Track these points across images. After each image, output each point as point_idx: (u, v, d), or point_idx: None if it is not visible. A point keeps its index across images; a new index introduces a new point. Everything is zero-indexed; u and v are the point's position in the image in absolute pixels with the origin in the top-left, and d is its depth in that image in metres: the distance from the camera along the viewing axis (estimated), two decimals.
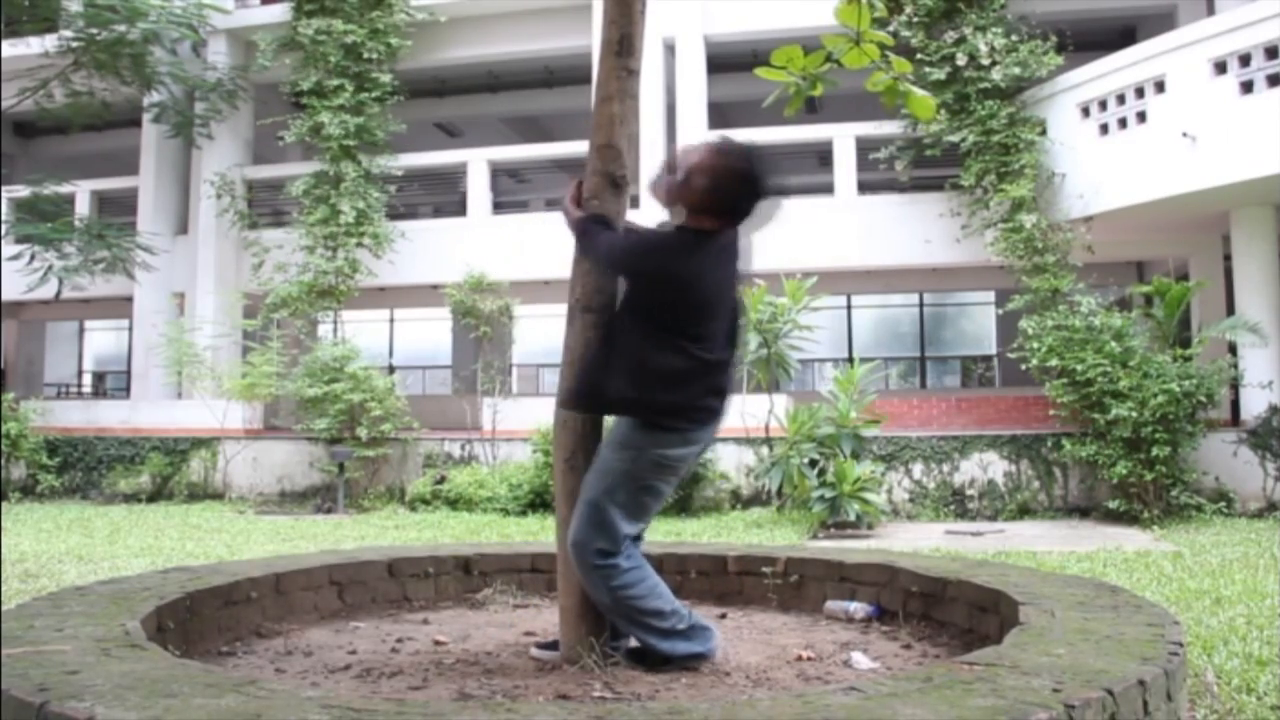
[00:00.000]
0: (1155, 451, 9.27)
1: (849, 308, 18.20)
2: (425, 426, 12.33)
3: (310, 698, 2.17)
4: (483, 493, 10.51)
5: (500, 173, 14.59)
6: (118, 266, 12.40)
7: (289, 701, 2.11)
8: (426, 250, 13.33)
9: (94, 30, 11.99)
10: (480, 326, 12.48)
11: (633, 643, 3.10)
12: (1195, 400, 9.45)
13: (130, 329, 15.19)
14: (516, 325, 13.10)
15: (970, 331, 19.26)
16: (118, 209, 15.13)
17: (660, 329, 2.85)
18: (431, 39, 13.58)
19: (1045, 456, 10.37)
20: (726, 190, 2.85)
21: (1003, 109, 11.14)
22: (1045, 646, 2.54)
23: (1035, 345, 10.20)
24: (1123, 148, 10.54)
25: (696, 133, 12.68)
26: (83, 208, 14.45)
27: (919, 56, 11.27)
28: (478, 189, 13.59)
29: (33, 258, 12.10)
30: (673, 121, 12.90)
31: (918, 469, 10.61)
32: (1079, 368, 9.65)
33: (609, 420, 3.26)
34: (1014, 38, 11.23)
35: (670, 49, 12.93)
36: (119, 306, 15.42)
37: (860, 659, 3.14)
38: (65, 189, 13.30)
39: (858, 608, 3.82)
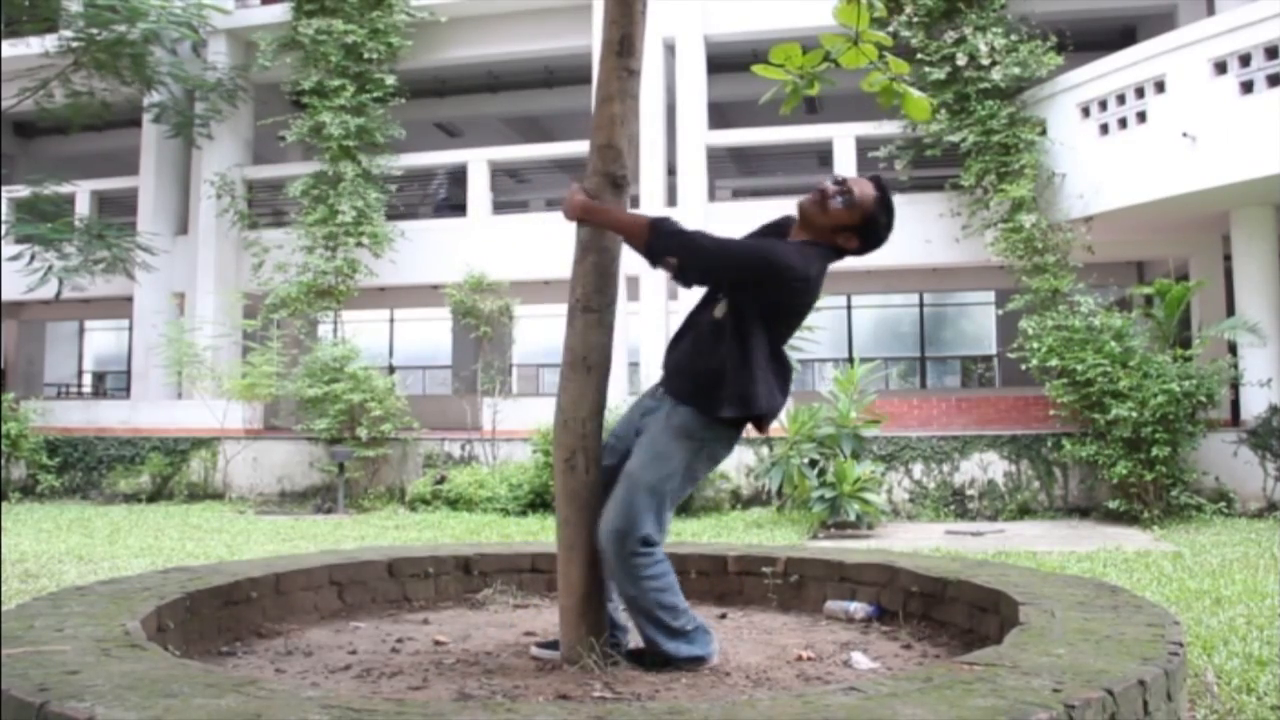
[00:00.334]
0: (1155, 451, 9.27)
1: (849, 308, 18.21)
2: (425, 426, 12.33)
3: (310, 698, 2.17)
4: (483, 493, 10.51)
5: (500, 173, 14.60)
6: (118, 266, 12.39)
7: (289, 701, 2.11)
8: (426, 250, 13.32)
9: (94, 30, 11.98)
10: (480, 326, 12.48)
11: (633, 643, 3.10)
12: (1195, 400, 9.45)
13: (130, 329, 15.19)
14: (516, 325, 13.10)
15: (970, 331, 19.27)
16: (118, 209, 15.13)
17: (769, 332, 2.99)
18: (431, 39, 13.58)
19: (1045, 456, 10.37)
20: (885, 224, 3.04)
21: (1003, 109, 11.13)
22: (1045, 646, 2.55)
23: (1035, 345, 10.19)
24: (1123, 148, 10.54)
25: (696, 133, 12.71)
26: (83, 208, 14.45)
27: (919, 56, 11.27)
28: (478, 189, 13.58)
29: (33, 258, 12.10)
30: (673, 121, 12.90)
31: (918, 469, 10.62)
32: (1079, 368, 9.65)
33: (609, 419, 3.26)
34: (1014, 38, 11.22)
35: (670, 49, 12.93)
36: (119, 306, 15.42)
37: (860, 659, 3.14)
38: (65, 189, 13.29)
39: (858, 608, 3.82)
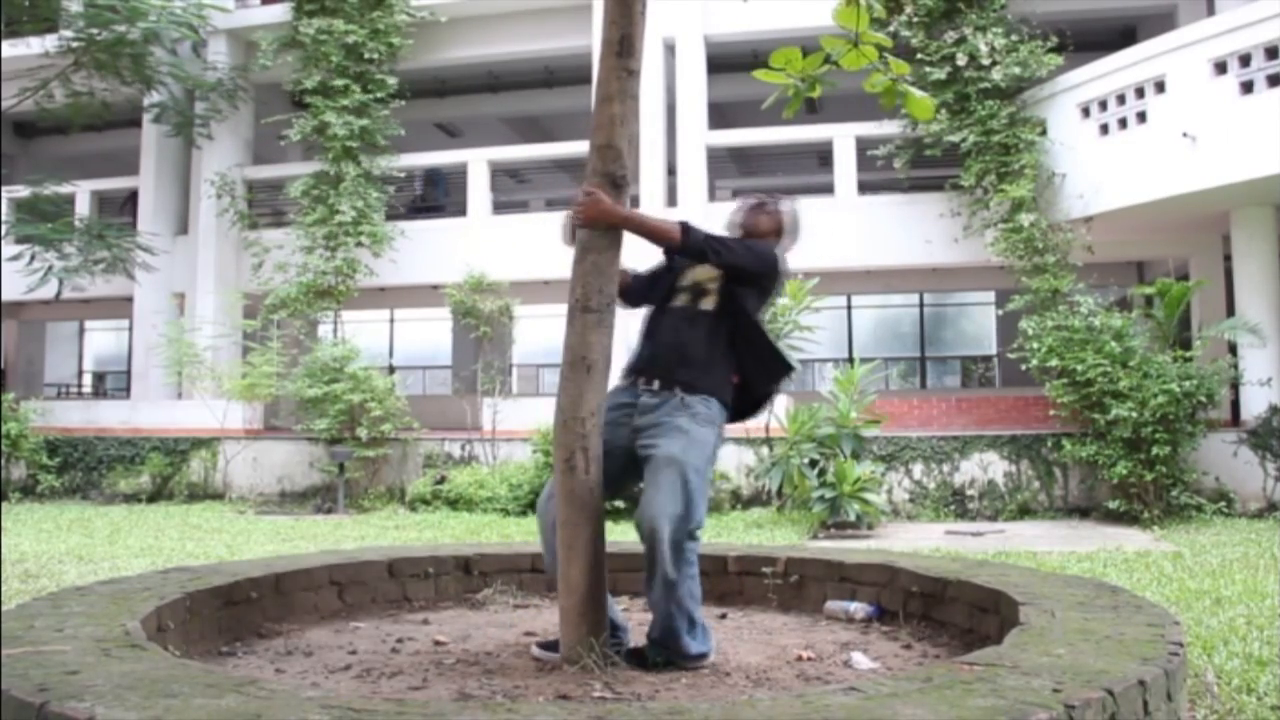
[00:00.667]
0: (1155, 451, 9.27)
1: (849, 308, 18.19)
2: (425, 427, 12.32)
3: (310, 698, 2.18)
4: (483, 493, 10.51)
5: (500, 173, 14.59)
6: (118, 267, 12.39)
7: (289, 701, 2.11)
8: (426, 250, 13.32)
9: (94, 30, 11.97)
10: (480, 326, 12.48)
11: (632, 643, 3.11)
12: (1195, 400, 9.45)
13: (130, 329, 15.18)
14: (516, 325, 13.10)
15: (970, 332, 19.24)
16: (118, 209, 15.12)
17: (757, 323, 3.31)
18: (431, 39, 13.58)
19: (1045, 457, 10.36)
20: (796, 229, 3.58)
21: (1003, 109, 11.13)
22: (1045, 647, 2.55)
23: (1035, 345, 10.19)
24: (1123, 148, 10.54)
25: (696, 133, 12.70)
26: (83, 208, 14.45)
27: (919, 57, 11.26)
28: (478, 189, 13.58)
29: (33, 258, 12.09)
30: (673, 121, 12.90)
31: (918, 469, 10.62)
32: (1079, 368, 9.64)
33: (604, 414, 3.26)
34: (1014, 38, 11.22)
35: (670, 49, 12.93)
36: (119, 306, 15.41)
37: (860, 659, 3.15)
38: (65, 189, 13.29)
39: (858, 608, 3.82)
